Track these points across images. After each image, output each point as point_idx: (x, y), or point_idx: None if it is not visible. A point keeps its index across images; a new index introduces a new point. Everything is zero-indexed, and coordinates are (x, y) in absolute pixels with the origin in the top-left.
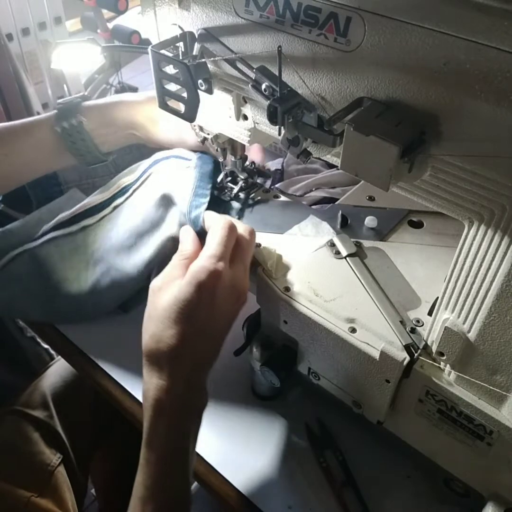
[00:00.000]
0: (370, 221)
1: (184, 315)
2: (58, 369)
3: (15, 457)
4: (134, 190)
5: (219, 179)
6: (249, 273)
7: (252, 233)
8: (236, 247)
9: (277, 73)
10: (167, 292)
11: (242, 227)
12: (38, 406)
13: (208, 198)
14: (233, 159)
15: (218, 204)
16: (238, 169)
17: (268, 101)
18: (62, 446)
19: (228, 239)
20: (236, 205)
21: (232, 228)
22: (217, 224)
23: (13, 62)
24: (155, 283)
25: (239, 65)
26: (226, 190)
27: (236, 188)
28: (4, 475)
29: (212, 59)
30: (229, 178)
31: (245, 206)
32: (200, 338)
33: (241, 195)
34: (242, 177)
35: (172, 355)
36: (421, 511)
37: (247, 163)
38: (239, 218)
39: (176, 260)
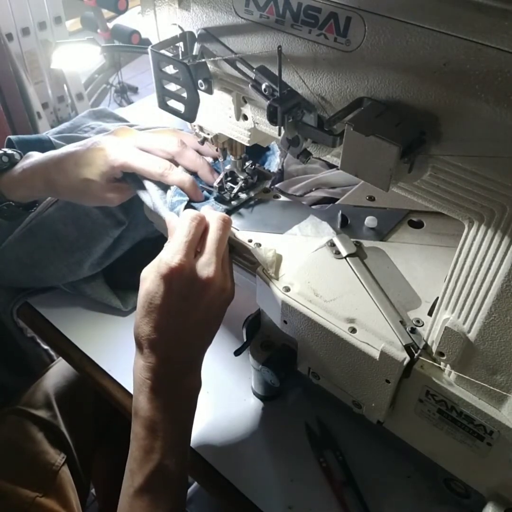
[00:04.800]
0: (370, 221)
1: (152, 305)
2: (61, 369)
3: (19, 457)
4: None
5: (217, 181)
6: (225, 260)
7: (225, 220)
8: (204, 237)
9: (277, 73)
10: (145, 283)
11: (214, 216)
12: (41, 406)
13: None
14: (232, 159)
15: (218, 204)
16: (238, 169)
17: (268, 101)
18: (65, 446)
19: (189, 231)
20: (236, 205)
21: (194, 219)
22: (181, 217)
23: (13, 62)
24: (142, 273)
25: (239, 65)
26: (226, 190)
27: (236, 188)
28: (9, 475)
29: (212, 59)
30: (229, 178)
31: (245, 206)
32: (173, 326)
33: (241, 195)
34: (242, 177)
35: (148, 339)
36: (421, 511)
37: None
38: (239, 219)
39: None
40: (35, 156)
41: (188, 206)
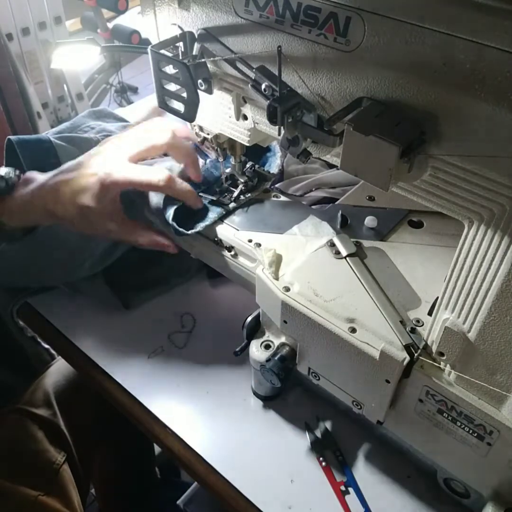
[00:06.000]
0: (370, 221)
1: None
2: (60, 368)
3: (20, 456)
4: None
5: (218, 185)
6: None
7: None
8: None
9: (277, 73)
10: None
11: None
12: (41, 404)
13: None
14: (232, 162)
15: (218, 207)
16: (237, 172)
17: (268, 101)
18: (65, 444)
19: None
20: (236, 207)
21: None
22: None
23: (13, 62)
24: None
25: (239, 65)
26: (226, 194)
27: (236, 192)
28: (11, 474)
29: (212, 59)
30: (229, 182)
31: (244, 206)
32: None
33: (242, 198)
34: (242, 180)
35: None
36: (421, 511)
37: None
38: (239, 219)
39: None
40: (33, 182)
41: (181, 208)
